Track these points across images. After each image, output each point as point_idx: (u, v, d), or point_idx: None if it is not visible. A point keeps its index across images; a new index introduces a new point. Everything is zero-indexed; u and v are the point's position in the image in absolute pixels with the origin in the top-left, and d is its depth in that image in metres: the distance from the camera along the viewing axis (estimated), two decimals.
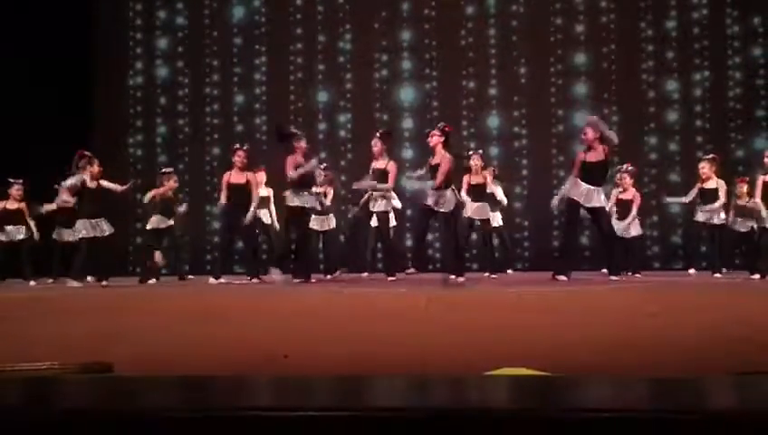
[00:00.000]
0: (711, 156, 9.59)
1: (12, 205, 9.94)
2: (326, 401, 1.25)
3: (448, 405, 1.12)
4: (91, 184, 8.41)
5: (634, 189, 9.69)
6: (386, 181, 8.45)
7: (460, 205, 8.45)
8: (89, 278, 9.18)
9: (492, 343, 2.52)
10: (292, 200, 8.02)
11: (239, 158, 8.88)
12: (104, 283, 8.40)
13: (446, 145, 7.75)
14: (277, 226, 9.99)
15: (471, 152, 9.83)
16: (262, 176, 9.88)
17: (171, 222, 9.64)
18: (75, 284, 8.30)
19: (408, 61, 13.18)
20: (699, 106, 12.66)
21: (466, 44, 13.05)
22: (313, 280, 8.15)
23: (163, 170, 10.19)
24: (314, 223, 9.49)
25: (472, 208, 9.47)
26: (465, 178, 9.46)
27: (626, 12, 12.79)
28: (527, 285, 6.86)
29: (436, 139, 7.81)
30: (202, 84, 13.53)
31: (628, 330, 2.91)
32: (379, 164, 8.53)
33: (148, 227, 9.69)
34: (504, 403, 1.21)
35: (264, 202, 9.75)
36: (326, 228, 9.81)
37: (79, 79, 12.68)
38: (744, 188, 9.68)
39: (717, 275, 9.13)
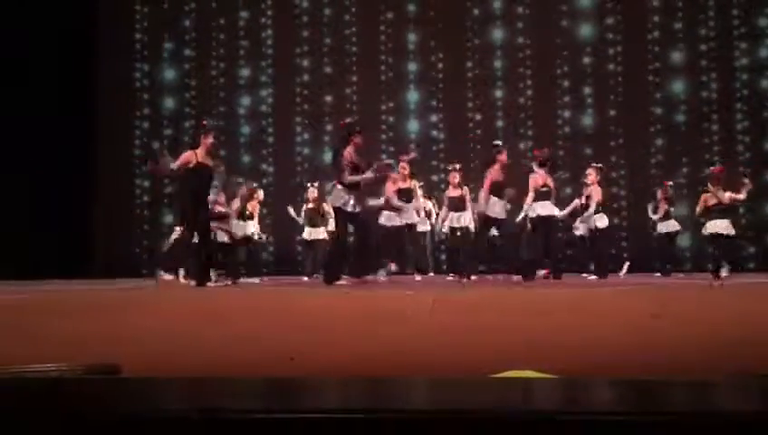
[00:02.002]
0: (599, 165, 9.65)
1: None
2: (332, 403, 1.26)
3: (454, 407, 1.12)
4: None
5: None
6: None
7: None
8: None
9: (498, 345, 2.51)
10: (494, 211, 8.46)
11: (214, 140, 8.58)
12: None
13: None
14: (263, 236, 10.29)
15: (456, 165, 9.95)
16: (260, 194, 10.16)
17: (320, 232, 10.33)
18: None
19: (414, 63, 13.19)
20: (706, 107, 12.62)
21: (471, 47, 13.06)
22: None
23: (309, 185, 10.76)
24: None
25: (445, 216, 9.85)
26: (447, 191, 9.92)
27: (632, 13, 12.77)
28: (529, 287, 6.84)
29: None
30: (208, 87, 13.57)
31: (633, 331, 2.90)
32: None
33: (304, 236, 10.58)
34: (511, 406, 1.20)
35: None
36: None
37: (84, 81, 12.73)
38: (662, 194, 9.84)
39: (592, 277, 9.20)
